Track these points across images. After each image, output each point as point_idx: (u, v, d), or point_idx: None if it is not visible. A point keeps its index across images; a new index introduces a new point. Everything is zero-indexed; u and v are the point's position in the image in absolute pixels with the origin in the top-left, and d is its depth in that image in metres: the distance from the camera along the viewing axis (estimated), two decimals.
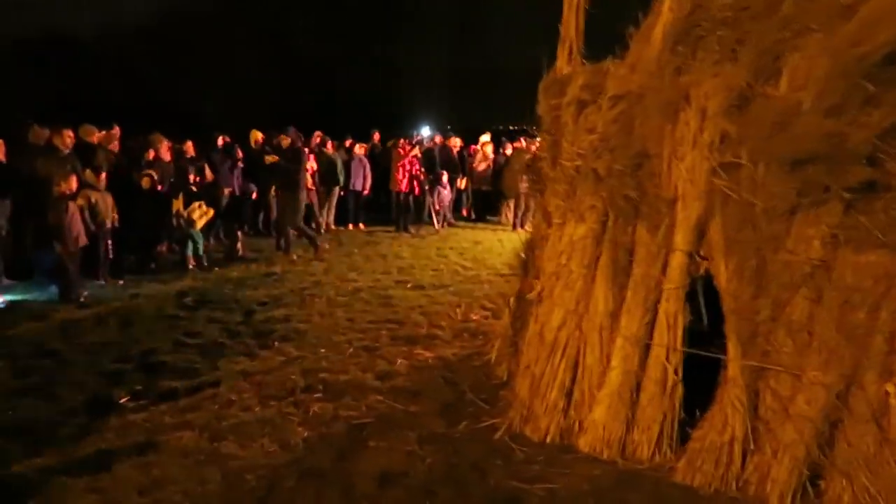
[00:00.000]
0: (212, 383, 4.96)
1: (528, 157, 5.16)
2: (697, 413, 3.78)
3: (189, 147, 10.94)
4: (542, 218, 4.87)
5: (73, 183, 7.12)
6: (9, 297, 7.19)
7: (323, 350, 5.75)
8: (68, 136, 7.86)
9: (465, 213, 15.30)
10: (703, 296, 4.19)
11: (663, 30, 4.34)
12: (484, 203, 15.02)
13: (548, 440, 4.03)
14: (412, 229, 12.91)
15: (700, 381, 3.78)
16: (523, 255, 5.11)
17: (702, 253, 3.79)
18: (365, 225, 13.57)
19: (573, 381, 4.08)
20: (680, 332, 3.78)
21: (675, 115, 3.86)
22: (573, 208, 4.30)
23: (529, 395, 4.20)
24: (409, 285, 8.24)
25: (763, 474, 3.38)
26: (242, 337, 6.12)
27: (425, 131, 15.06)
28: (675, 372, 3.75)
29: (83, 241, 7.22)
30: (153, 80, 24.08)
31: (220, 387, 4.91)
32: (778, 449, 3.36)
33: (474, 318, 6.82)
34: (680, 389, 3.77)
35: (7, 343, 5.80)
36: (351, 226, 13.43)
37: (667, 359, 3.77)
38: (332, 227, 13.20)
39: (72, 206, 7.07)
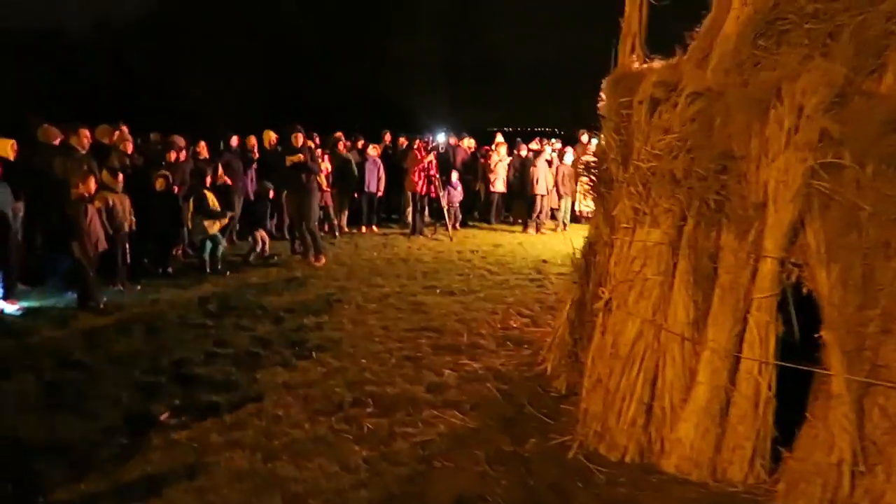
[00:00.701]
0: (254, 397, 4.69)
1: (586, 157, 4.88)
2: (782, 429, 3.54)
3: (202, 148, 10.66)
4: (603, 222, 4.63)
5: (92, 185, 6.83)
6: (24, 304, 6.89)
7: (364, 360, 5.49)
8: (85, 135, 7.57)
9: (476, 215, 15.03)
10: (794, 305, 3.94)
11: (739, 24, 4.12)
12: (498, 205, 14.75)
13: (627, 459, 3.79)
14: (427, 232, 12.64)
15: (783, 394, 3.56)
16: (581, 262, 4.85)
17: (794, 259, 3.55)
18: (377, 227, 13.30)
19: (652, 396, 3.82)
20: (772, 345, 3.54)
21: (764, 113, 3.62)
22: (646, 212, 4.06)
23: (603, 411, 3.95)
24: (437, 291, 7.98)
25: (875, 499, 3.14)
26: (276, 346, 5.85)
27: (440, 137, 14.73)
28: (769, 387, 3.51)
29: (102, 245, 6.93)
30: (147, 76, 23.69)
31: (264, 401, 4.64)
32: (891, 472, 3.12)
33: (514, 325, 6.56)
34: (773, 405, 3.53)
35: (30, 354, 5.51)
36: (364, 228, 13.14)
37: (759, 373, 3.53)
38: (345, 229, 12.92)
39: (91, 208, 6.77)
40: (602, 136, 4.65)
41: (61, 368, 5.21)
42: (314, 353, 5.65)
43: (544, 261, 10.00)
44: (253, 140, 11.68)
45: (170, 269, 8.68)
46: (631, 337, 3.92)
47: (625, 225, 4.23)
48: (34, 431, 4.14)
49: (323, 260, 9.44)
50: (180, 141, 9.81)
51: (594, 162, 4.71)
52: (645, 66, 4.40)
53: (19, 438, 4.05)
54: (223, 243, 9.00)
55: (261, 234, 9.70)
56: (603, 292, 4.32)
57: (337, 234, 12.07)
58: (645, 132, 4.03)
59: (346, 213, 12.99)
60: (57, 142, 7.88)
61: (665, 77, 3.99)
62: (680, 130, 3.88)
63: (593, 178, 4.73)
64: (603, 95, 4.46)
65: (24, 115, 8.86)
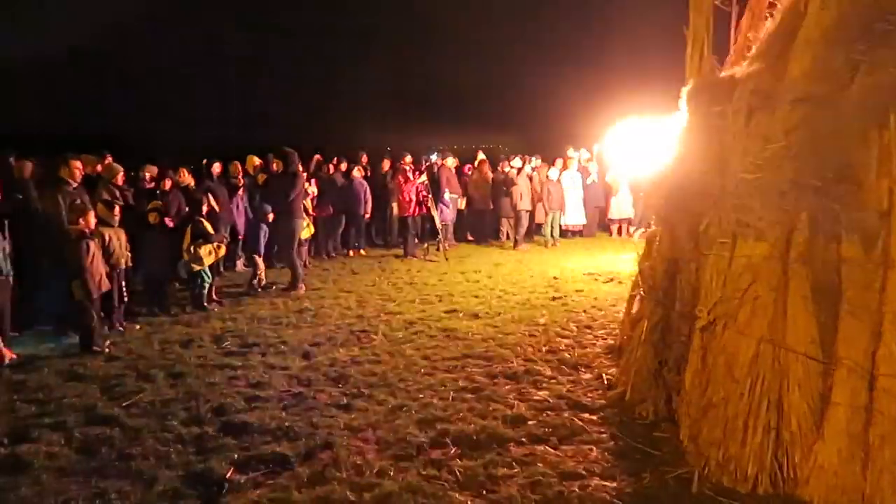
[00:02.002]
0: (322, 445, 4.27)
1: (658, 173, 4.67)
2: None
3: (185, 175, 10.07)
4: (686, 238, 4.41)
5: (93, 220, 6.26)
6: (18, 351, 6.24)
7: (422, 395, 5.12)
8: (77, 167, 6.98)
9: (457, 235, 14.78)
10: None
11: (822, 28, 3.97)
12: (482, 223, 14.54)
13: (759, 490, 3.53)
14: (419, 253, 12.30)
15: None
16: (661, 281, 4.61)
17: None
18: (365, 250, 12.90)
19: (778, 420, 3.59)
20: None
21: (882, 119, 3.46)
22: (749, 224, 3.85)
23: (722, 439, 3.69)
24: (460, 315, 7.65)
25: None
26: (319, 385, 5.42)
27: (434, 156, 14.47)
28: None
29: (106, 284, 6.36)
30: (85, 107, 22.59)
31: (335, 448, 4.22)
32: None
33: (560, 348, 6.28)
34: None
35: (49, 409, 4.94)
36: (352, 252, 12.72)
37: None
38: (332, 254, 12.48)
39: (92, 245, 6.21)
40: (675, 147, 4.45)
41: (90, 424, 4.67)
42: (364, 390, 5.25)
43: (555, 277, 9.79)
44: (238, 166, 11.15)
45: (165, 306, 8.11)
46: (747, 358, 3.69)
47: (722, 240, 4.02)
48: (87, 502, 3.63)
49: (301, 291, 8.96)
50: (152, 170, 9.26)
51: (666, 176, 4.50)
52: (728, 73, 4.22)
53: None
54: (209, 279, 8.45)
55: (257, 260, 9.23)
56: (700, 311, 4.08)
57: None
58: (742, 141, 3.83)
59: (334, 237, 12.59)
60: (27, 175, 7.28)
61: (762, 84, 3.81)
62: (784, 139, 3.69)
63: (666, 193, 4.51)
64: (684, 104, 4.26)
65: None
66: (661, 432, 4.31)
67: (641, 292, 5.02)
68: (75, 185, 6.99)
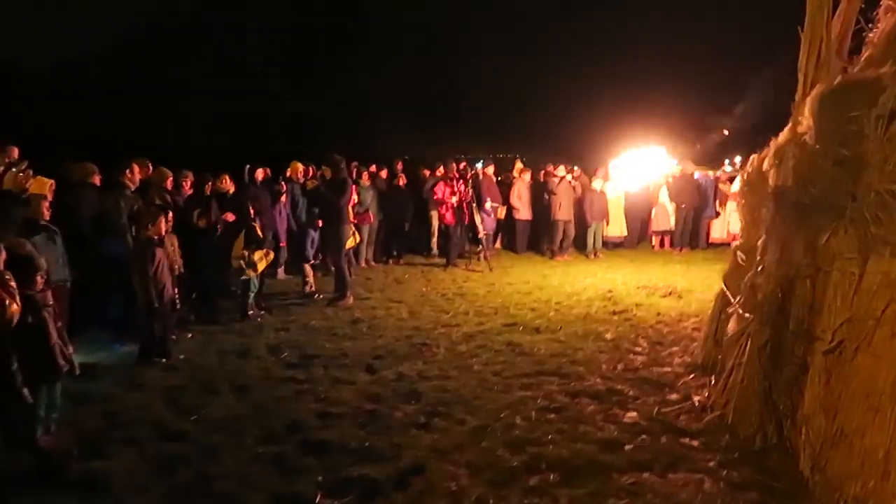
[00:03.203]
0: (412, 469, 4.01)
1: (771, 181, 4.40)
2: None
3: (226, 181, 9.88)
4: (800, 252, 4.12)
5: (163, 226, 6.07)
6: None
7: (502, 415, 4.86)
8: (137, 171, 6.82)
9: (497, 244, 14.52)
10: None
11: None
12: (522, 233, 14.28)
13: None
14: (462, 263, 12.06)
15: None
16: (768, 299, 4.32)
17: None
18: (406, 259, 12.69)
19: None
20: None
21: None
22: (882, 239, 3.57)
23: (860, 472, 3.40)
24: (520, 328, 7.39)
25: None
26: (391, 401, 5.18)
27: (478, 164, 14.26)
28: None
29: (170, 292, 6.16)
30: (109, 112, 22.48)
31: (426, 473, 3.96)
32: None
33: (637, 366, 5.99)
34: None
35: (117, 424, 4.74)
36: (391, 261, 12.52)
37: None
38: (372, 262, 12.28)
39: (159, 252, 6.02)
40: (791, 156, 4.18)
41: (163, 441, 4.45)
42: (440, 408, 5.00)
43: (609, 290, 9.50)
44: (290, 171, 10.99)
45: (216, 315, 7.92)
46: (888, 384, 3.40)
47: (849, 255, 3.74)
48: None
49: (349, 301, 8.73)
50: (190, 176, 9.10)
51: (782, 185, 4.23)
52: (859, 74, 3.95)
53: None
54: (256, 288, 8.25)
55: (307, 267, 9.05)
56: (823, 332, 3.80)
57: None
58: (882, 150, 3.55)
59: (373, 245, 12.39)
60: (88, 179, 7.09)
61: None
62: None
63: (775, 204, 4.23)
64: (806, 111, 3.99)
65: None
66: (774, 461, 4.01)
67: (739, 309, 4.73)
68: (133, 189, 6.82)
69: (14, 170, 3.86)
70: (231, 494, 3.74)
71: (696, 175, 14.53)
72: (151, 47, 23.50)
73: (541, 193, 13.65)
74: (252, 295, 8.19)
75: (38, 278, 3.77)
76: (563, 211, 13.20)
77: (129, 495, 3.75)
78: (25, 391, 3.60)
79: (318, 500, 3.67)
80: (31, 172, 3.91)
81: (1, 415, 3.74)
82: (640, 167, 13.06)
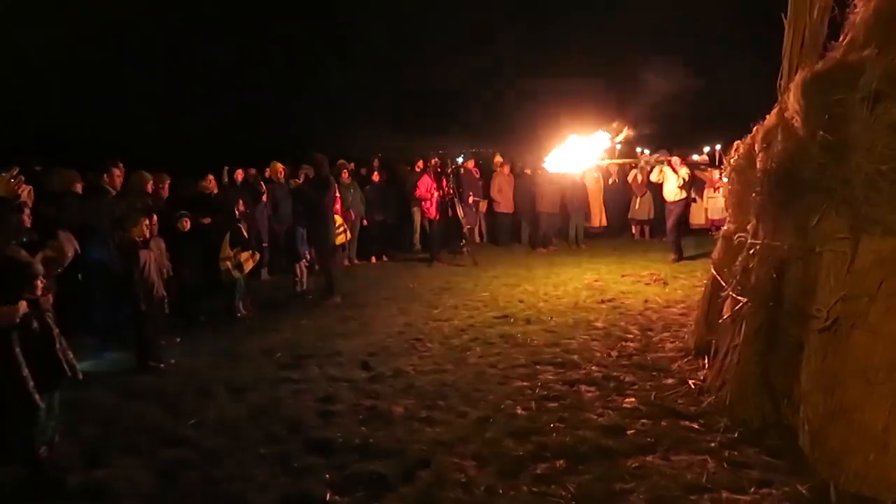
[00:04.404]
0: (418, 463, 4.02)
1: (760, 165, 4.47)
2: None
3: (211, 182, 9.78)
4: (792, 234, 4.20)
5: (146, 228, 5.99)
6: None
7: (503, 406, 4.89)
8: (118, 175, 6.71)
9: (479, 238, 14.56)
10: None
11: None
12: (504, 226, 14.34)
13: None
14: (446, 258, 12.07)
15: None
16: (762, 281, 4.40)
17: None
18: (389, 256, 12.66)
19: None
20: None
21: None
22: (872, 219, 3.65)
23: (859, 447, 3.48)
24: (511, 320, 7.43)
25: None
26: (390, 397, 5.18)
27: (459, 159, 14.24)
28: None
29: (160, 293, 6.09)
30: (70, 115, 21.83)
31: (432, 466, 3.98)
32: None
33: (631, 353, 6.06)
34: None
35: (117, 430, 4.68)
36: (374, 258, 12.48)
37: None
38: (355, 261, 12.24)
39: (144, 254, 5.94)
40: (779, 139, 4.26)
41: (163, 447, 4.40)
42: (439, 402, 5.02)
43: (596, 280, 9.59)
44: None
45: (201, 318, 7.86)
46: (884, 359, 3.49)
47: (840, 235, 3.82)
48: None
49: (337, 299, 8.71)
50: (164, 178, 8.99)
51: (771, 169, 4.30)
52: (840, 58, 4.03)
53: None
54: (242, 290, 8.20)
55: (298, 267, 9.01)
56: (818, 311, 3.88)
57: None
58: (868, 130, 3.63)
59: (356, 243, 12.34)
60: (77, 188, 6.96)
61: (891, 69, 3.61)
62: None
63: (764, 188, 4.31)
64: (792, 95, 4.06)
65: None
66: (774, 440, 4.09)
67: (732, 292, 4.81)
68: (114, 193, 6.72)
69: (4, 175, 3.77)
70: (239, 497, 3.72)
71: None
72: (126, 50, 22.94)
73: (522, 186, 13.70)
74: (239, 296, 8.14)
75: (38, 283, 3.70)
76: (546, 203, 13.27)
77: (134, 503, 3.70)
78: (37, 396, 3.54)
79: (328, 498, 3.67)
80: (23, 178, 3.84)
81: (2, 424, 3.67)
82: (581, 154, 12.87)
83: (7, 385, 3.56)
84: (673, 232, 11.30)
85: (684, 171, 11.07)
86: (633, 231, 14.88)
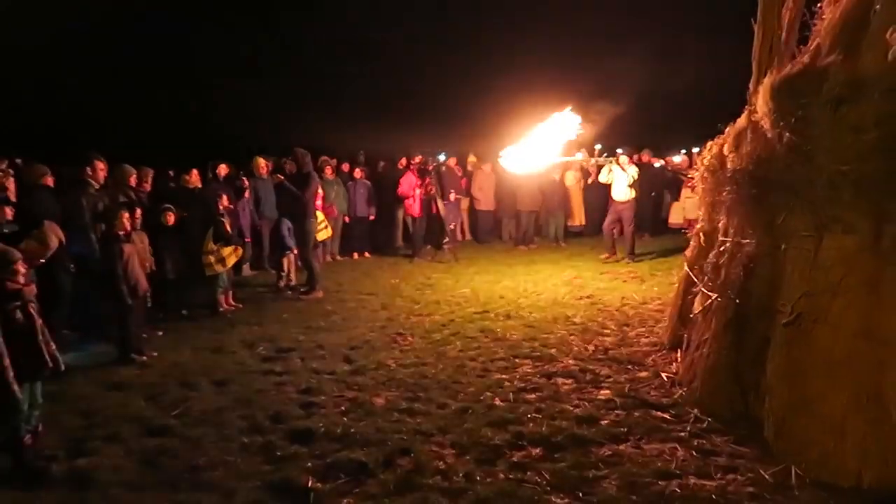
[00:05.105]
0: (398, 451, 4.13)
1: (730, 164, 4.62)
2: None
3: (194, 176, 9.80)
4: (763, 232, 4.37)
5: (127, 222, 6.03)
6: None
7: (482, 397, 5.01)
8: (100, 168, 6.74)
9: (460, 236, 14.68)
10: None
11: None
12: (484, 223, 14.49)
13: (864, 485, 3.50)
14: (428, 255, 12.18)
15: None
16: (732, 277, 4.56)
17: None
18: (370, 252, 12.74)
19: (879, 414, 3.56)
20: None
21: None
22: (834, 217, 3.82)
23: (820, 435, 3.65)
24: (492, 315, 7.56)
25: None
26: (371, 388, 5.29)
27: (441, 157, 14.29)
28: None
29: (143, 287, 6.14)
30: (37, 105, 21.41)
31: (413, 454, 4.09)
32: None
33: (606, 346, 6.21)
34: None
35: (99, 420, 4.74)
36: (356, 255, 12.56)
37: None
38: (338, 257, 12.31)
39: (128, 248, 5.98)
40: (749, 142, 4.42)
41: (146, 436, 4.47)
42: (420, 394, 5.13)
43: (575, 277, 9.75)
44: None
45: (184, 312, 7.90)
46: (843, 352, 3.66)
47: (805, 233, 3.99)
48: None
49: (319, 294, 8.80)
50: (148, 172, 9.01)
51: (740, 169, 4.46)
52: (804, 64, 4.20)
53: None
54: (224, 284, 8.25)
55: (286, 260, 9.09)
56: (783, 306, 4.04)
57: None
58: (830, 133, 3.80)
59: (338, 241, 12.42)
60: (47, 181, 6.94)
61: (852, 74, 3.78)
62: (875, 130, 3.67)
63: (740, 185, 4.46)
64: (761, 98, 4.22)
65: None
66: (741, 430, 4.25)
67: (703, 289, 4.97)
68: (98, 186, 6.74)
69: None
70: (221, 484, 3.80)
71: (658, 164, 14.93)
72: (99, 41, 22.53)
73: (503, 184, 13.84)
74: (221, 290, 8.19)
75: (19, 268, 3.75)
76: (526, 201, 13.43)
77: (118, 490, 3.76)
78: (16, 387, 3.59)
79: (310, 484, 3.76)
80: (11, 172, 3.88)
81: None
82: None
83: None
84: (630, 232, 11.17)
85: (633, 170, 10.91)
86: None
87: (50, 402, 4.89)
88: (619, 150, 11.16)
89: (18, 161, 7.61)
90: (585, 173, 14.69)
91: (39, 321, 3.90)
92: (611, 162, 10.98)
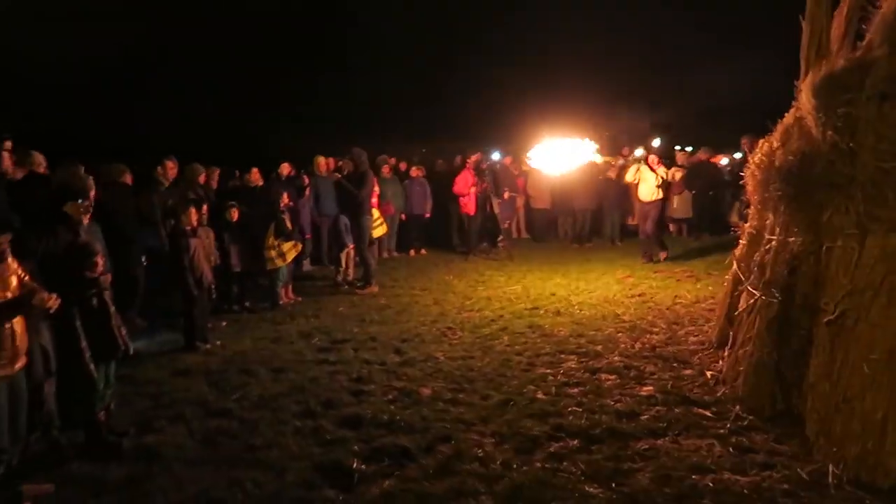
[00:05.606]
0: (440, 439, 4.31)
1: (777, 162, 4.60)
2: None
3: (255, 175, 10.23)
4: (805, 230, 4.34)
5: (194, 218, 6.42)
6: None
7: (525, 390, 5.14)
8: (171, 168, 7.17)
9: (516, 233, 14.77)
10: None
11: None
12: (540, 222, 14.52)
13: None
14: (482, 253, 12.33)
15: None
16: (778, 276, 4.54)
17: None
18: (426, 250, 12.97)
19: None
20: None
21: None
22: (877, 216, 3.78)
23: (860, 434, 3.63)
24: (542, 312, 7.65)
25: None
26: (419, 379, 5.48)
27: (496, 155, 14.43)
28: None
29: (209, 279, 6.52)
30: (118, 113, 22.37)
31: (453, 442, 4.26)
32: None
33: (654, 344, 6.23)
34: None
35: (166, 402, 5.10)
36: (412, 251, 12.81)
37: None
38: (394, 253, 12.59)
39: (193, 242, 6.37)
40: (794, 140, 4.39)
41: (209, 418, 4.79)
42: (465, 385, 5.30)
43: (628, 275, 9.73)
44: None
45: (247, 304, 8.29)
46: (884, 351, 3.62)
47: (848, 231, 3.95)
48: (226, 491, 3.74)
49: (374, 289, 9.06)
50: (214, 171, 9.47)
51: (786, 166, 4.44)
52: (852, 60, 4.15)
53: (216, 500, 3.64)
54: (283, 279, 8.60)
55: (345, 255, 9.42)
56: (826, 304, 4.02)
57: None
58: (875, 130, 3.76)
59: (395, 236, 12.70)
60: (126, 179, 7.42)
61: (894, 70, 3.73)
62: None
63: (789, 183, 4.44)
64: (804, 94, 4.20)
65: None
66: (782, 428, 4.24)
67: (749, 287, 4.95)
68: (167, 184, 7.17)
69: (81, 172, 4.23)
70: (275, 463, 4.06)
71: (724, 161, 14.65)
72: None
73: (559, 182, 13.83)
74: (281, 284, 8.55)
75: (98, 260, 4.11)
76: (581, 199, 13.42)
77: (180, 465, 4.07)
78: (92, 367, 3.95)
79: (355, 466, 3.98)
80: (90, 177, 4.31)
81: (65, 393, 4.09)
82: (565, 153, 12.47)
83: (68, 355, 3.98)
84: (653, 232, 10.89)
85: (662, 171, 10.77)
86: (671, 229, 14.84)
87: (122, 385, 5.30)
88: (640, 150, 11.04)
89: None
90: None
91: (112, 308, 4.25)
92: (639, 162, 10.85)
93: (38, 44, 17.98)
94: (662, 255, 10.89)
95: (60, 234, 4.31)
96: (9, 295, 3.54)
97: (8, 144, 4.07)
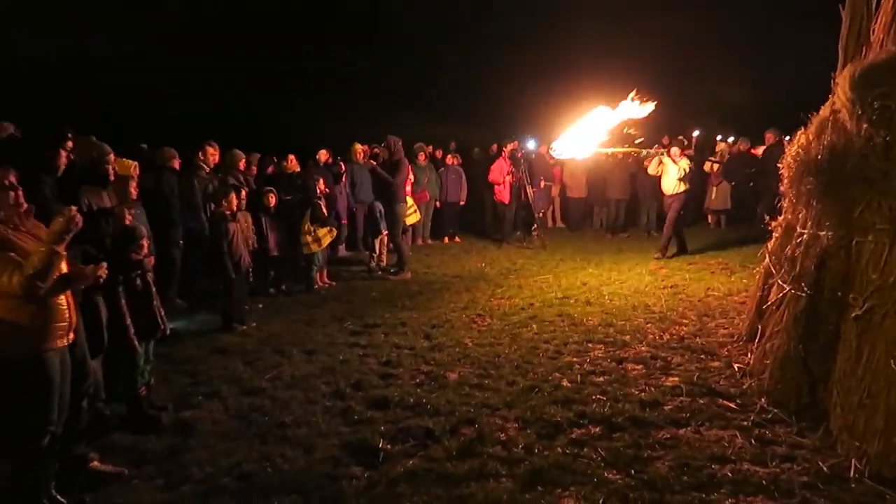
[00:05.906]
0: (464, 422, 4.42)
1: (811, 155, 4.55)
2: None
3: (292, 162, 10.42)
4: (835, 223, 4.30)
5: (234, 202, 6.62)
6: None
7: (551, 378, 5.21)
8: (212, 153, 7.38)
9: (551, 223, 14.75)
10: None
11: None
12: (575, 211, 14.48)
13: None
14: (516, 241, 12.37)
15: None
16: (808, 269, 4.51)
17: None
18: (460, 237, 13.06)
19: None
20: None
21: None
22: None
23: (884, 429, 3.62)
24: (572, 301, 7.69)
25: None
26: (446, 364, 5.59)
27: (531, 144, 14.39)
28: None
29: (247, 262, 6.72)
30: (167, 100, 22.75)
31: (477, 425, 4.36)
32: None
33: (683, 335, 6.23)
34: None
35: (203, 379, 5.32)
36: (447, 239, 12.91)
37: None
38: (429, 241, 12.71)
39: (233, 226, 6.57)
40: (829, 133, 4.35)
41: (242, 395, 4.98)
42: (492, 371, 5.39)
43: (661, 267, 9.67)
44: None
45: (283, 287, 8.50)
46: None
47: (880, 226, 3.91)
48: (257, 464, 3.91)
49: (407, 275, 9.19)
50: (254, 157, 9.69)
51: (819, 159, 4.40)
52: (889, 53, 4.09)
53: (247, 474, 3.82)
54: (319, 264, 8.79)
55: (378, 242, 9.59)
56: (854, 299, 4.00)
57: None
58: None
59: (429, 224, 12.82)
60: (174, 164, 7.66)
61: None
62: None
63: (825, 177, 4.40)
64: (840, 87, 4.15)
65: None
66: (807, 421, 4.24)
67: (780, 280, 4.93)
68: (208, 169, 7.38)
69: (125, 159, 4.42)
70: (304, 440, 4.22)
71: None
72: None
73: (595, 172, 13.77)
74: (316, 268, 8.75)
75: (144, 242, 4.31)
76: (617, 189, 13.35)
77: (215, 439, 4.26)
78: (136, 343, 4.16)
79: (381, 445, 4.11)
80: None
81: (110, 368, 4.30)
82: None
83: (114, 332, 4.19)
84: (672, 226, 10.53)
85: (684, 163, 10.40)
86: (710, 220, 14.66)
87: (161, 362, 5.54)
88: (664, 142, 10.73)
89: (144, 146, 8.38)
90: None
91: (154, 289, 4.45)
92: (662, 154, 10.59)
93: (77, 43, 18.43)
94: (658, 254, 10.49)
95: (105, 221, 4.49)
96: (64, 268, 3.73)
97: (69, 145, 4.26)
